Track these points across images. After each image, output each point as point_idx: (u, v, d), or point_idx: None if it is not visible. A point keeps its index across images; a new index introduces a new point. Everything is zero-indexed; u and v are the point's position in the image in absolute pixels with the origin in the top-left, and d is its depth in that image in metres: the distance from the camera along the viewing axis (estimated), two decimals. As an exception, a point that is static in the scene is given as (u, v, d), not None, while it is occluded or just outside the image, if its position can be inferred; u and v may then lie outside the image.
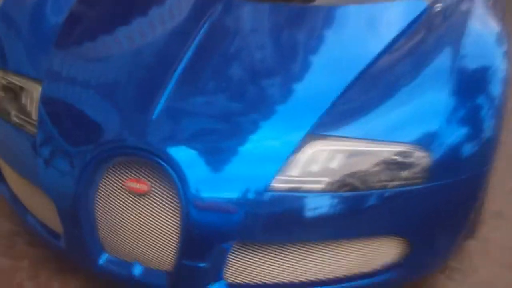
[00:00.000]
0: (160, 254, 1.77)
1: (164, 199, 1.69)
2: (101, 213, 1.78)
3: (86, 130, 1.82)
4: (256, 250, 1.73)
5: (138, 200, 1.72)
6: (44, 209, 1.95)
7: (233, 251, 1.72)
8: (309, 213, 1.66)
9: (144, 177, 1.70)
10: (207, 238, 1.69)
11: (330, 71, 1.89)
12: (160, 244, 1.75)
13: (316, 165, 1.67)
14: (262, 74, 1.93)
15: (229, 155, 1.71)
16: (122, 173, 1.73)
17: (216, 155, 1.71)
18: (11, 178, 2.14)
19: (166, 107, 1.76)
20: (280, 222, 1.69)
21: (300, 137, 1.68)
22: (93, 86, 1.94)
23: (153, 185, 1.69)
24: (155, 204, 1.71)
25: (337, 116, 1.74)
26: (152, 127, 1.73)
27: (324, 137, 1.70)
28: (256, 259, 1.74)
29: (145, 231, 1.74)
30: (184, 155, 1.68)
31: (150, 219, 1.72)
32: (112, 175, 1.74)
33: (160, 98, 1.77)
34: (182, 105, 1.80)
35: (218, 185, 1.68)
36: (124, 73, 1.96)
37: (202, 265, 1.71)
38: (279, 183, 1.65)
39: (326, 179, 1.66)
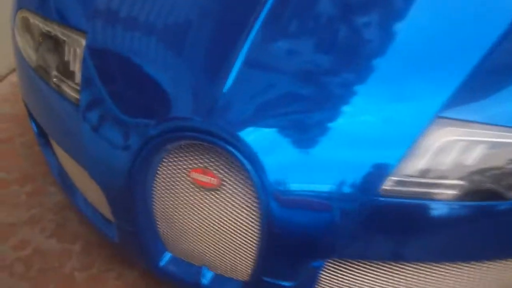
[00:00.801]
0: (235, 262, 1.40)
1: (238, 194, 1.30)
2: (161, 204, 1.41)
3: (146, 96, 1.37)
4: (356, 268, 1.33)
5: (205, 194, 1.34)
6: (93, 191, 1.60)
7: (327, 268, 1.33)
8: (433, 225, 1.23)
9: (214, 168, 1.31)
10: (294, 245, 1.29)
11: (467, 18, 1.35)
12: (235, 250, 1.38)
13: (446, 161, 1.21)
14: (375, 17, 1.38)
15: (324, 135, 1.25)
16: (187, 159, 1.34)
17: (303, 134, 1.26)
18: (57, 148, 1.79)
19: (242, 71, 1.29)
20: (392, 233, 1.26)
21: (427, 118, 1.21)
22: (156, 33, 1.45)
23: (224, 177, 1.30)
24: (226, 200, 1.32)
25: (477, 91, 1.24)
26: (222, 103, 1.27)
27: (459, 122, 1.22)
28: (356, 280, 1.35)
29: (216, 232, 1.37)
30: (259, 138, 1.24)
31: (222, 217, 1.35)
32: (174, 160, 1.35)
33: (235, 58, 1.30)
34: (261, 63, 1.32)
35: (308, 174, 1.25)
36: (198, 15, 1.45)
37: (286, 284, 1.33)
38: (394, 182, 1.21)
39: (461, 182, 1.21)
